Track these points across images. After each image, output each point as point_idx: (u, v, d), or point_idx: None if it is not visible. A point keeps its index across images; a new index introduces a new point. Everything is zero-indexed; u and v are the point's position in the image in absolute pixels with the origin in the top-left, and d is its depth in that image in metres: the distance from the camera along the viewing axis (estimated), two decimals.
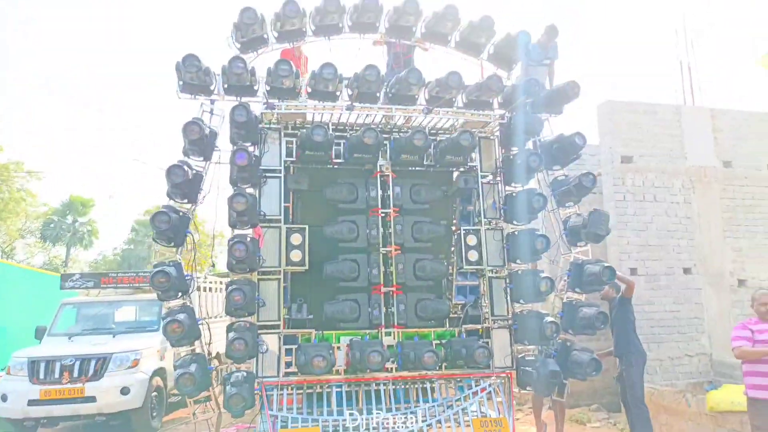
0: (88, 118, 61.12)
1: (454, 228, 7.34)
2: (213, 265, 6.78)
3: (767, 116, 10.00)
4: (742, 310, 8.79)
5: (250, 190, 6.18)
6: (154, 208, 35.81)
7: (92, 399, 7.37)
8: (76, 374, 7.43)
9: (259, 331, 5.89)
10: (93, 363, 7.53)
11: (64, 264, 32.91)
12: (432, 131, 7.03)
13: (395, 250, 6.54)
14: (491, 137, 7.14)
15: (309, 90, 6.43)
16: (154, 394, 8.07)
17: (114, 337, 8.46)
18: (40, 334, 8.59)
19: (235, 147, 6.07)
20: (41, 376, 7.40)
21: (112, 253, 38.78)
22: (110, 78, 66.96)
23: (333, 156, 6.66)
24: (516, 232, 6.81)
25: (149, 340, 8.42)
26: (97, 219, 34.54)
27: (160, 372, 8.33)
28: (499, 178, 7.00)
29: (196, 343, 5.99)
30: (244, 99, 6.32)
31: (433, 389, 6.30)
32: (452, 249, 7.33)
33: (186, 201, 6.10)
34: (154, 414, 8.10)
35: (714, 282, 8.82)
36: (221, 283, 11.38)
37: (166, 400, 8.71)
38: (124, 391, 7.51)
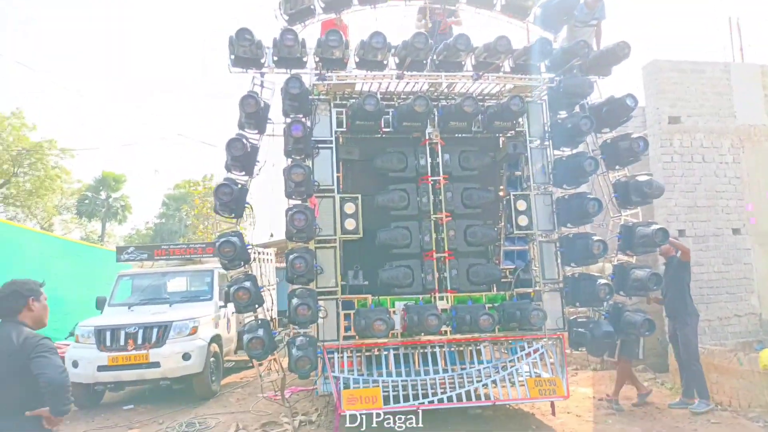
0: (117, 93, 61.93)
1: (502, 194, 7.44)
2: (271, 235, 7.01)
3: None
4: None
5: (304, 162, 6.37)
6: (184, 183, 36.47)
7: (156, 364, 7.79)
8: (140, 341, 7.83)
9: (319, 297, 6.14)
10: (155, 331, 7.93)
11: (100, 238, 33.95)
12: (479, 97, 7.08)
13: (446, 216, 6.70)
14: (539, 101, 7.17)
15: (357, 59, 6.55)
16: (212, 359, 8.48)
17: (171, 306, 8.85)
18: (101, 304, 9.05)
19: (289, 119, 6.27)
20: (108, 343, 7.83)
21: (144, 227, 39.88)
22: (142, 53, 67.31)
23: (382, 125, 6.79)
24: (566, 196, 6.91)
25: (204, 308, 8.81)
26: (129, 194, 35.44)
27: (216, 338, 8.72)
28: (547, 143, 7.07)
29: (259, 309, 6.30)
30: (294, 71, 6.46)
31: (487, 351, 6.56)
32: (500, 214, 7.46)
33: (243, 173, 6.33)
34: (213, 378, 8.52)
35: (763, 242, 8.80)
36: (266, 253, 11.75)
37: (222, 365, 9.16)
38: (186, 356, 7.91)
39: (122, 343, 7.85)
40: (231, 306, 9.24)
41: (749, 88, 9.15)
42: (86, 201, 32.91)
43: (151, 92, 65.36)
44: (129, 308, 8.86)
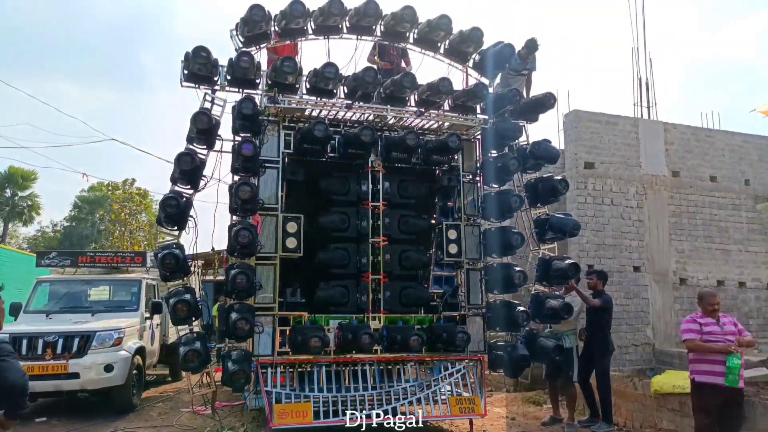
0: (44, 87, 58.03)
1: (435, 222, 7.92)
2: (212, 249, 7.07)
3: (712, 132, 11.17)
4: (682, 306, 9.93)
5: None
6: (99, 185, 34.68)
7: (76, 375, 7.53)
8: (59, 351, 7.60)
9: (256, 313, 6.28)
10: (77, 340, 7.69)
11: (1, 239, 31.54)
12: (420, 131, 7.57)
13: (383, 240, 7.06)
14: (473, 140, 7.78)
15: (308, 86, 6.86)
16: (135, 372, 8.32)
17: (93, 315, 8.62)
18: (14, 311, 8.63)
19: (239, 137, 6.46)
20: (23, 352, 7.52)
21: (51, 230, 37.46)
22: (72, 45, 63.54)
23: (328, 150, 7.09)
24: (492, 229, 7.50)
25: (130, 319, 8.64)
26: (41, 193, 33.26)
27: (140, 351, 8.57)
28: (478, 178, 7.65)
29: (196, 322, 6.36)
30: (246, 91, 6.68)
31: (413, 370, 6.93)
32: (432, 241, 7.94)
33: (189, 187, 6.43)
34: (135, 391, 8.34)
35: (659, 279, 9.89)
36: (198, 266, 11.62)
37: (144, 378, 8.98)
38: (108, 368, 7.71)
39: (40, 352, 7.57)
40: (156, 318, 9.17)
41: (653, 141, 10.33)
42: None
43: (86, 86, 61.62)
44: (47, 316, 8.54)
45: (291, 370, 6.49)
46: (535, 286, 7.51)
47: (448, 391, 6.82)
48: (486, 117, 7.56)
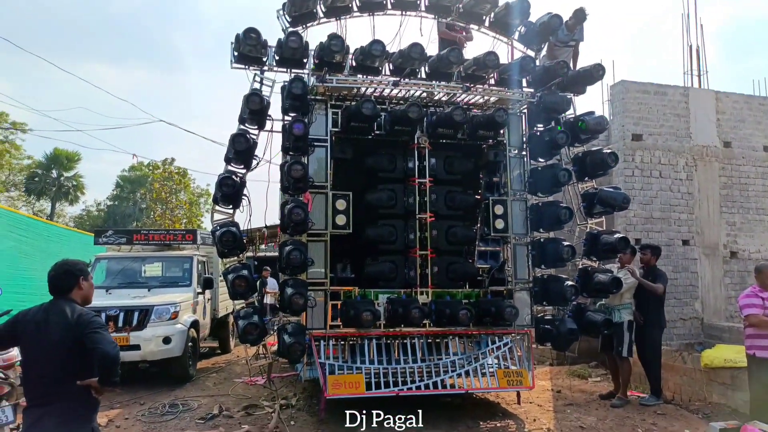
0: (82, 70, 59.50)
1: (480, 198, 7.96)
2: (265, 226, 7.33)
3: (766, 100, 10.79)
4: (732, 279, 9.78)
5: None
6: (139, 165, 35.66)
7: (137, 347, 8.00)
8: (120, 324, 8.05)
9: (309, 288, 6.48)
10: (136, 314, 8.14)
11: (49, 218, 32.89)
12: (466, 107, 7.52)
13: (430, 217, 7.19)
14: (519, 114, 7.74)
15: (354, 64, 6.93)
16: (190, 344, 8.74)
17: (149, 290, 9.05)
18: None
19: (291, 117, 6.62)
20: None
21: (96, 209, 38.80)
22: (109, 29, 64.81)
23: (374, 128, 7.18)
24: (540, 204, 7.51)
25: (184, 294, 9.05)
26: (84, 174, 34.44)
27: (194, 324, 8.99)
28: (525, 153, 7.65)
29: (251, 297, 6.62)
30: (294, 71, 6.81)
31: (460, 343, 7.08)
32: (479, 217, 8.00)
33: (242, 166, 6.63)
34: (191, 362, 8.79)
35: (709, 253, 9.74)
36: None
37: (198, 350, 9.42)
38: (166, 340, 8.15)
39: None
40: (207, 293, 9.55)
41: (704, 111, 10.06)
42: (36, 178, 31.81)
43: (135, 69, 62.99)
44: (107, 291, 9.00)
45: (342, 342, 6.71)
46: (582, 260, 7.52)
47: (495, 364, 6.96)
48: (533, 90, 7.51)
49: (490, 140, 7.70)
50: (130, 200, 37.32)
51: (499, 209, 7.35)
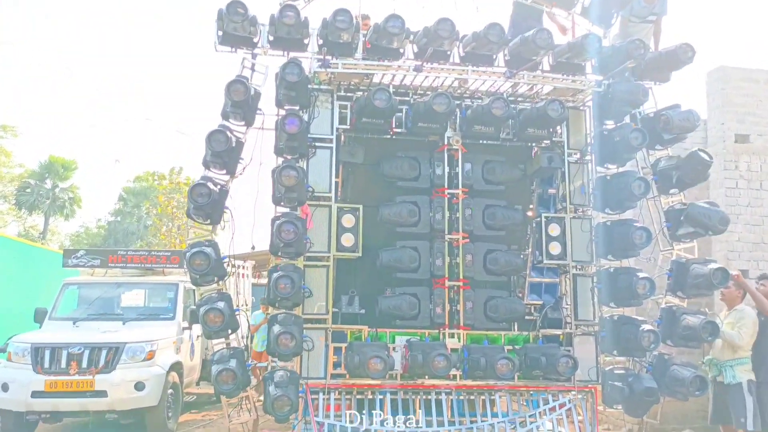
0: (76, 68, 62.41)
1: (531, 214, 7.60)
2: (253, 248, 7.13)
3: None
4: None
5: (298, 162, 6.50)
6: (146, 175, 36.63)
7: (103, 393, 7.81)
8: (84, 365, 7.89)
9: (305, 326, 6.24)
10: (104, 353, 7.96)
11: (42, 236, 34.04)
12: (511, 98, 7.19)
13: (463, 238, 6.84)
14: (582, 108, 7.35)
15: (368, 45, 6.69)
16: (170, 391, 8.51)
17: (124, 324, 8.92)
18: (40, 316, 9.09)
19: (284, 111, 6.45)
20: (46, 364, 7.87)
21: (96, 225, 40.00)
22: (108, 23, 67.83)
23: (393, 125, 6.94)
24: (608, 223, 7.06)
25: (165, 329, 8.87)
26: (80, 185, 35.53)
27: (176, 366, 8.76)
28: (589, 157, 7.24)
29: (232, 336, 6.39)
30: (293, 54, 6.63)
31: (503, 402, 6.67)
32: (528, 239, 7.62)
33: (225, 172, 6.47)
34: (170, 414, 8.53)
35: None
36: (243, 267, 11.82)
37: (182, 399, 9.20)
38: (139, 386, 7.94)
39: (63, 365, 7.90)
40: (196, 328, 9.35)
41: None
42: (28, 190, 33.03)
43: (117, 66, 65.80)
44: (74, 323, 8.92)
45: (348, 397, 6.45)
46: (666, 297, 7.04)
47: (549, 430, 6.53)
48: (599, 77, 7.10)
49: (543, 141, 7.35)
50: (134, 216, 38.27)
51: (554, 229, 6.99)
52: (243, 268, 11.62)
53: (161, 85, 66.74)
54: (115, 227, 38.32)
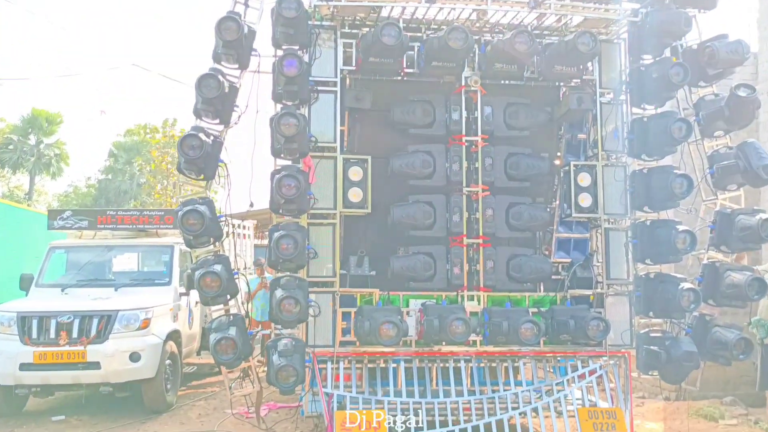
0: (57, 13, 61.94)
1: (559, 162, 7.52)
2: (251, 205, 7.09)
3: None
4: None
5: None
6: (138, 128, 36.61)
7: (96, 365, 7.87)
8: (75, 334, 7.95)
9: (310, 289, 6.24)
10: (95, 321, 8.00)
11: (27, 196, 34.32)
12: (536, 32, 7.05)
13: (483, 190, 6.80)
14: (616, 41, 7.21)
15: None
16: (168, 362, 8.59)
17: (116, 290, 8.95)
18: (26, 283, 9.14)
19: (281, 51, 6.31)
20: (34, 335, 7.94)
21: (85, 184, 40.23)
22: None
23: (404, 64, 6.84)
24: (645, 170, 6.96)
25: (161, 295, 8.89)
26: (66, 140, 35.59)
27: (173, 335, 8.81)
28: (624, 97, 7.13)
29: (231, 301, 6.40)
30: None
31: (527, 369, 6.74)
32: (555, 191, 7.56)
33: (218, 121, 6.39)
34: (169, 386, 8.61)
35: None
36: (243, 227, 11.82)
37: (180, 370, 9.30)
38: (134, 357, 7.99)
39: (53, 335, 7.95)
40: (194, 294, 9.38)
41: None
42: (10, 146, 33.16)
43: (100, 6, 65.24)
44: (62, 290, 8.96)
45: (358, 365, 6.53)
46: (708, 252, 6.96)
47: (578, 399, 6.59)
48: (636, 5, 6.92)
49: (572, 80, 7.27)
50: (126, 173, 38.37)
51: (585, 179, 6.96)
52: (243, 228, 11.60)
53: (148, 28, 66.19)
54: (106, 186, 38.47)
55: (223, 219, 6.36)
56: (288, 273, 6.19)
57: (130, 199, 36.06)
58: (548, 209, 7.40)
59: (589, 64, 7.06)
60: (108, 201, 36.17)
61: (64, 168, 35.36)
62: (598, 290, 6.92)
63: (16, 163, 33.30)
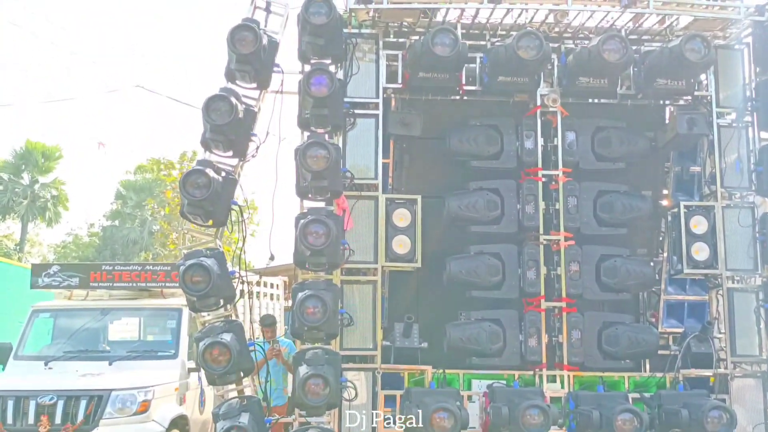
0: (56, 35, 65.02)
1: (666, 203, 7.44)
2: (271, 258, 7.11)
3: None
4: None
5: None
6: (151, 164, 37.60)
7: None
8: (58, 419, 8.05)
9: (344, 366, 6.20)
10: (83, 403, 8.09)
11: (18, 248, 35.44)
12: (631, 37, 7.06)
13: (566, 239, 6.72)
14: (737, 47, 7.14)
15: None
16: None
17: (111, 364, 9.06)
18: (3, 355, 9.36)
19: (309, 66, 6.36)
20: (9, 419, 8.08)
21: (87, 232, 41.32)
22: None
23: (463, 80, 6.87)
24: None
25: (164, 371, 8.95)
26: (66, 179, 36.73)
27: (179, 422, 8.83)
28: (749, 119, 7.04)
29: (246, 380, 6.38)
30: None
31: None
32: (662, 239, 7.48)
33: (231, 153, 6.45)
34: None
35: None
36: (268, 284, 11.86)
37: None
38: None
39: (31, 420, 8.06)
40: None
41: None
42: (0, 186, 34.39)
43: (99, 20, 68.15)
44: (46, 364, 9.10)
45: None
46: None
47: None
48: (762, 1, 6.86)
49: (681, 97, 7.22)
50: (137, 218, 39.32)
51: (700, 224, 6.86)
52: (269, 286, 11.59)
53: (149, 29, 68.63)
54: (113, 234, 39.34)
55: (235, 275, 6.35)
56: (316, 344, 6.15)
57: (141, 250, 36.76)
58: (653, 263, 7.29)
59: (702, 76, 7.03)
60: (114, 253, 36.91)
61: (62, 213, 36.40)
62: (721, 370, 6.75)
63: (6, 206, 34.41)
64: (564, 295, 6.67)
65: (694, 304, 7.33)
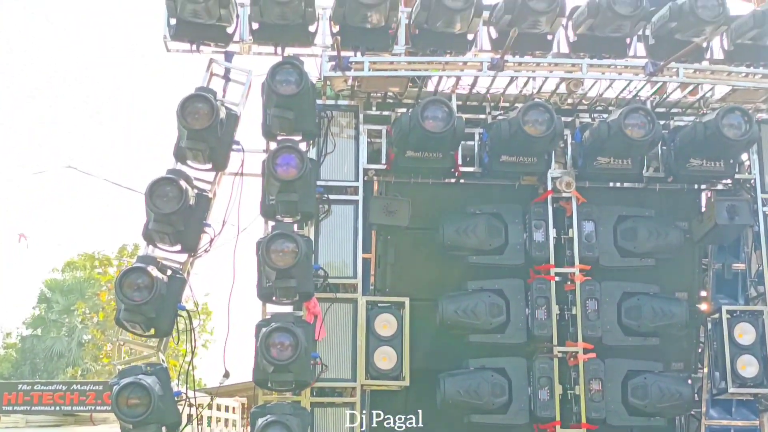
0: None
1: (705, 307, 7.41)
2: (226, 376, 7.01)
3: None
4: None
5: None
6: (82, 258, 37.52)
7: None
8: None
9: None
10: None
11: None
12: (659, 110, 7.13)
13: (585, 351, 6.65)
14: None
15: (416, 31, 6.73)
16: None
17: None
18: None
19: (275, 144, 6.37)
20: None
21: (2, 343, 40.92)
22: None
23: (459, 160, 6.91)
24: None
25: None
26: None
27: None
28: None
29: None
30: (290, 50, 6.69)
31: None
32: (701, 351, 7.47)
33: (180, 248, 6.41)
34: None
35: None
36: (222, 407, 11.69)
37: None
38: None
39: None
40: None
41: None
42: None
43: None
44: None
45: None
46: None
47: None
48: None
49: (719, 180, 7.31)
50: (64, 326, 38.98)
51: (746, 333, 6.83)
52: (221, 409, 11.46)
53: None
54: (33, 346, 39.00)
55: (180, 397, 6.25)
56: None
57: (67, 365, 36.37)
58: (690, 381, 7.25)
59: (744, 156, 7.10)
60: (34, 369, 36.54)
61: None
62: None
63: None
64: (584, 420, 6.62)
65: (741, 431, 7.24)
